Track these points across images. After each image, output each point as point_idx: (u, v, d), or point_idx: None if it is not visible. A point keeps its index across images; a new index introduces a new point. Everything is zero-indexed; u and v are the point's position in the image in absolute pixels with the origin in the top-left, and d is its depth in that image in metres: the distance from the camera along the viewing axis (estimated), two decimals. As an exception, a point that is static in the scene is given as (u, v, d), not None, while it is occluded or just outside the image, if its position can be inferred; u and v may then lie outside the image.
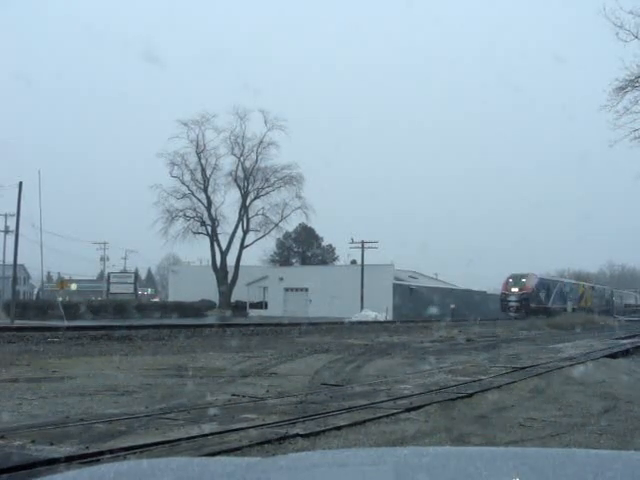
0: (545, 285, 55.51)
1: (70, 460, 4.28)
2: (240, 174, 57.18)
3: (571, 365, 11.44)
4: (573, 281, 64.27)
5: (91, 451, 4.55)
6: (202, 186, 56.39)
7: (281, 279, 60.60)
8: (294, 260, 79.22)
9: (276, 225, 57.96)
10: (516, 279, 53.93)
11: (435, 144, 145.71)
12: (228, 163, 57.45)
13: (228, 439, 5.06)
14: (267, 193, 57.42)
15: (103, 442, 4.86)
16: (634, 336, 22.67)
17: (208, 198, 56.43)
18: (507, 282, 54.57)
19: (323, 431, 5.46)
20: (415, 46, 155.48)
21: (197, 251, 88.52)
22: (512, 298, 52.45)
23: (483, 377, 9.49)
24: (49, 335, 18.06)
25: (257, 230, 57.54)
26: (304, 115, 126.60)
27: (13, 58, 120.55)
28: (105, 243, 78.42)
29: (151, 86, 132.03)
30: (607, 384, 9.35)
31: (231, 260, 56.91)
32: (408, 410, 6.54)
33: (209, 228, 56.73)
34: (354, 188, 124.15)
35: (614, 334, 24.29)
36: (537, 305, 51.77)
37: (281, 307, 58.89)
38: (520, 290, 52.61)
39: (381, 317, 47.22)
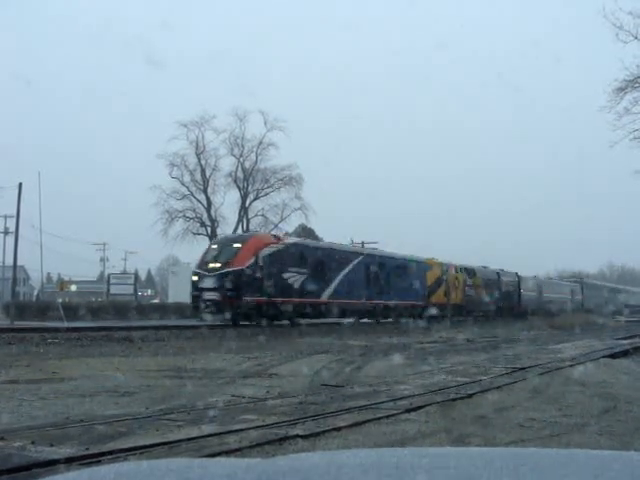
0: (306, 256, 27.92)
1: (70, 461, 4.27)
2: (240, 175, 57.18)
3: (571, 365, 11.44)
4: (411, 256, 35.52)
5: (91, 452, 4.54)
6: (202, 187, 56.38)
7: (281, 280, 60.20)
8: (294, 261, 79.05)
9: (276, 226, 57.75)
10: (224, 246, 26.70)
11: (435, 144, 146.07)
12: (228, 164, 57.47)
13: (228, 440, 5.05)
14: (267, 194, 57.39)
15: (103, 443, 4.86)
16: (634, 336, 22.69)
17: (208, 199, 56.43)
18: (205, 253, 27.07)
19: (323, 432, 5.45)
20: (415, 46, 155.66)
21: (197, 252, 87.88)
22: (207, 283, 24.85)
23: (483, 378, 9.48)
24: (49, 336, 18.04)
25: (257, 231, 57.51)
26: (304, 115, 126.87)
27: (13, 58, 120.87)
28: (105, 244, 78.56)
29: (151, 86, 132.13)
30: (607, 384, 9.35)
31: (231, 261, 56.87)
32: (408, 411, 6.53)
33: (209, 229, 56.65)
34: (354, 188, 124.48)
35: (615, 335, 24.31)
36: (268, 297, 25.41)
37: (281, 308, 58.53)
38: (223, 267, 24.90)
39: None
